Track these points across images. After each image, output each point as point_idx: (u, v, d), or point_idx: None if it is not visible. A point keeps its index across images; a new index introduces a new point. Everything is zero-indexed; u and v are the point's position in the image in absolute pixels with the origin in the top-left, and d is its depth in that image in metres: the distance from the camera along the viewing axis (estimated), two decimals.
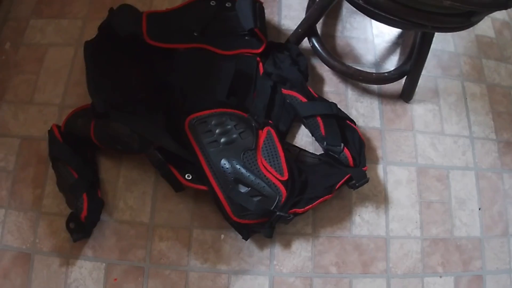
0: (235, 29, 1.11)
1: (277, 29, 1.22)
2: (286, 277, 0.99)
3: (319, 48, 1.12)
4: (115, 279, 0.98)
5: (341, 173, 0.99)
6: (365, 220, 1.05)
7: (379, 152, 1.11)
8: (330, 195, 0.98)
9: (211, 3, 1.15)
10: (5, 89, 1.15)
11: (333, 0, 1.03)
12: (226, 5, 1.16)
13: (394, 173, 1.10)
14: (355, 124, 1.08)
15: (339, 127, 1.05)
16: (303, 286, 0.99)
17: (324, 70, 1.18)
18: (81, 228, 0.97)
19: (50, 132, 1.03)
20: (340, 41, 1.23)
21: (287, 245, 1.01)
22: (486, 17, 1.37)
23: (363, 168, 1.02)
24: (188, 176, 0.95)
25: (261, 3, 1.16)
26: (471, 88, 1.25)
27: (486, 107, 1.24)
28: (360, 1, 0.87)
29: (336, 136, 1.03)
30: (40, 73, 1.16)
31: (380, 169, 1.10)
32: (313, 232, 1.02)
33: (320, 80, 1.17)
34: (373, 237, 1.04)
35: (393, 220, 1.06)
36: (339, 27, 1.25)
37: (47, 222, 1.02)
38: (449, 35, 1.31)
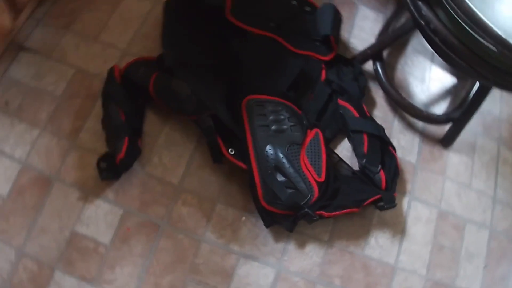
0: (310, 32, 1.15)
1: (345, 46, 1.26)
2: (291, 275, 1.01)
3: (381, 72, 1.16)
4: (128, 229, 0.99)
5: (372, 191, 1.02)
6: (379, 244, 1.07)
7: (408, 186, 1.15)
8: (357, 209, 1.01)
9: (292, 2, 1.19)
10: (74, 19, 1.18)
11: (410, 30, 1.08)
12: (306, 9, 1.20)
13: (417, 209, 1.13)
14: (395, 151, 1.11)
15: (381, 150, 1.08)
16: None
17: (377, 96, 1.22)
18: (112, 169, 0.99)
19: (111, 70, 1.05)
20: (399, 73, 1.27)
21: (301, 245, 1.03)
22: None
23: (393, 194, 1.05)
24: (231, 151, 0.98)
25: (341, 15, 1.20)
26: (505, 154, 1.29)
27: None
28: (437, 38, 0.92)
29: (376, 157, 1.06)
30: (113, 16, 1.19)
31: (405, 201, 1.13)
32: (329, 240, 1.05)
33: (372, 103, 1.21)
34: (382, 262, 1.06)
35: (404, 252, 1.09)
36: (401, 61, 1.30)
37: (78, 155, 1.03)
38: (498, 99, 1.36)
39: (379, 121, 1.18)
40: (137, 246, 0.98)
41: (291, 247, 1.03)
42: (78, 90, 1.09)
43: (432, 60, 1.33)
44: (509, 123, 1.35)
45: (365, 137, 1.08)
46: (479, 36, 0.79)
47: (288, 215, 0.96)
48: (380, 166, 1.06)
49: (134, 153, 1.01)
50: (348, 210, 1.00)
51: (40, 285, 0.93)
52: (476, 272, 1.13)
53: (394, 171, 1.08)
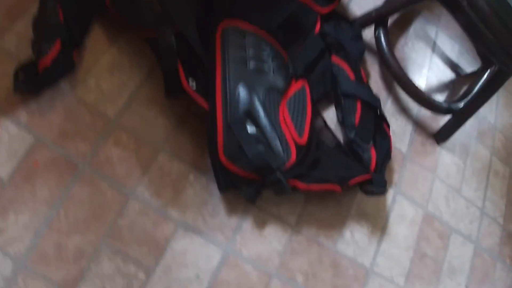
0: None
1: (343, 7, 1.08)
2: (242, 261, 0.76)
3: (383, 40, 0.98)
4: (36, 163, 0.70)
5: (361, 170, 0.82)
6: (354, 239, 0.86)
7: (395, 177, 0.95)
8: (339, 188, 0.79)
9: None
10: None
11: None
12: None
13: (402, 205, 0.94)
14: (389, 129, 0.92)
15: (375, 124, 0.89)
16: (258, 281, 0.76)
17: (372, 70, 1.03)
18: (31, 79, 0.71)
19: None
20: (397, 53, 1.10)
21: (261, 224, 0.79)
22: None
23: (384, 178, 0.85)
24: (192, 81, 0.73)
25: None
26: (497, 166, 1.15)
27: (503, 190, 1.14)
28: (464, 1, 0.75)
29: (369, 131, 0.87)
30: None
31: (390, 193, 0.93)
32: (296, 224, 0.82)
33: (366, 75, 1.02)
34: (356, 263, 0.85)
35: (382, 255, 0.88)
36: (402, 41, 1.13)
37: None
38: (494, 107, 1.23)
39: None
40: (43, 189, 0.69)
41: (247, 225, 0.78)
42: None
43: (433, 50, 1.18)
44: (503, 134, 1.22)
45: (359, 105, 0.88)
46: None
47: (253, 179, 0.73)
48: (371, 143, 0.86)
49: (65, 65, 0.73)
50: (330, 186, 0.78)
51: None
52: None
53: (385, 153, 0.89)
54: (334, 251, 0.84)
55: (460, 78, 1.17)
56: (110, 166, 0.73)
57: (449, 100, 1.11)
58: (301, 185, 0.75)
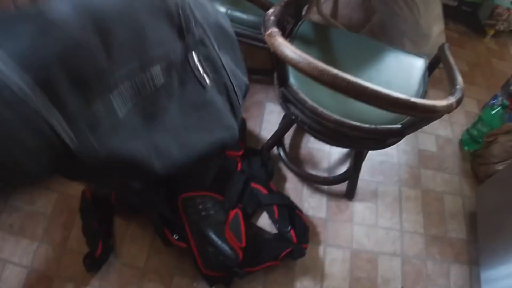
0: None
1: (257, 138, 1.71)
2: None
3: (283, 156, 1.58)
4: None
5: (285, 246, 1.37)
6: (303, 286, 1.38)
7: (322, 236, 1.47)
8: (276, 262, 1.35)
9: None
10: None
11: (292, 122, 1.51)
12: None
13: (332, 253, 1.44)
14: (302, 212, 1.47)
15: (289, 214, 1.45)
16: None
17: (287, 171, 1.62)
18: (94, 263, 1.42)
19: (83, 192, 1.53)
20: (303, 150, 1.68)
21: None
22: (430, 134, 1.77)
23: (303, 245, 1.39)
24: (175, 236, 1.38)
25: (244, 119, 1.67)
26: (407, 192, 1.60)
27: (418, 207, 1.57)
28: (305, 127, 1.33)
29: (286, 221, 1.43)
30: None
31: (321, 249, 1.45)
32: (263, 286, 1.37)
33: (283, 179, 1.61)
34: None
35: None
36: (304, 140, 1.71)
37: (69, 256, 1.46)
38: (395, 150, 1.70)
39: (291, 191, 1.57)
40: None
41: None
42: (62, 209, 1.57)
43: None
44: (408, 165, 1.67)
45: (275, 208, 1.46)
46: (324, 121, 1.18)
47: (224, 275, 1.32)
48: (290, 227, 1.41)
49: (108, 250, 1.44)
50: (268, 264, 1.35)
51: None
52: None
53: (303, 228, 1.43)
54: None
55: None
56: None
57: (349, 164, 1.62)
58: (250, 269, 1.33)
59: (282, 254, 1.36)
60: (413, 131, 1.11)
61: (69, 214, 1.55)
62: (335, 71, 0.80)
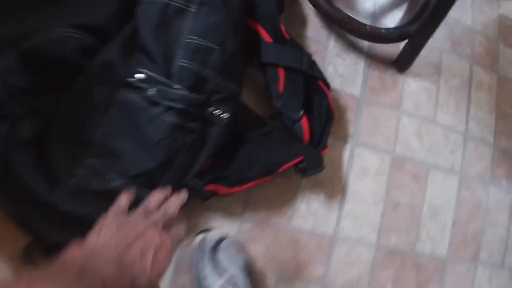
0: None
1: None
2: None
3: None
4: None
5: (291, 152, 0.72)
6: (311, 211, 0.79)
7: (351, 128, 0.85)
8: (267, 178, 0.72)
9: None
10: None
11: None
12: None
13: (362, 158, 0.85)
14: (329, 88, 0.80)
15: (306, 87, 0.77)
16: None
17: (307, 7, 0.88)
18: None
19: None
20: None
21: (207, 222, 0.75)
22: None
23: (321, 152, 0.75)
24: None
25: None
26: (480, 75, 1.00)
27: (491, 103, 0.99)
28: None
29: (297, 98, 0.75)
30: None
31: (346, 149, 0.84)
32: (241, 213, 0.76)
33: (298, 19, 0.87)
34: (317, 234, 0.79)
35: (346, 217, 0.81)
36: None
37: None
38: (468, 5, 1.04)
39: (309, 43, 0.86)
40: None
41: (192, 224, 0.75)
42: None
43: None
44: (484, 35, 1.04)
45: (281, 72, 0.75)
46: None
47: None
48: (302, 111, 0.75)
49: None
50: (256, 181, 0.71)
51: None
52: (442, 232, 0.88)
53: (325, 115, 0.77)
54: (290, 228, 0.78)
55: None
56: None
57: (409, 13, 0.94)
58: (222, 189, 0.69)
59: (285, 167, 0.72)
60: None
61: None
62: None
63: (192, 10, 0.65)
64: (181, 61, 0.62)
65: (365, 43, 0.90)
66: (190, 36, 0.63)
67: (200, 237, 0.72)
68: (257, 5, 0.77)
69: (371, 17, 0.93)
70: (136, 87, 0.61)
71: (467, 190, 0.92)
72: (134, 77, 0.61)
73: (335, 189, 0.82)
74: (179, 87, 0.61)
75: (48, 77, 0.60)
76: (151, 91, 0.61)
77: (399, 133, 0.88)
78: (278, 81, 0.75)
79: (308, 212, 0.79)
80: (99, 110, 0.61)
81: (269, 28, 0.77)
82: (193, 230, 0.73)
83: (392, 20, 0.94)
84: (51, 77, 0.61)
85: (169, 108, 0.61)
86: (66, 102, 0.61)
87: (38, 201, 0.58)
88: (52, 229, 0.59)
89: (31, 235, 0.61)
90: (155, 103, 0.61)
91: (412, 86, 0.92)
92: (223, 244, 0.71)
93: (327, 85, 0.80)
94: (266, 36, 0.77)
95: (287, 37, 0.79)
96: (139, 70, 0.61)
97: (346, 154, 0.84)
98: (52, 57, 0.59)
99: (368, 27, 0.85)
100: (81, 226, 0.44)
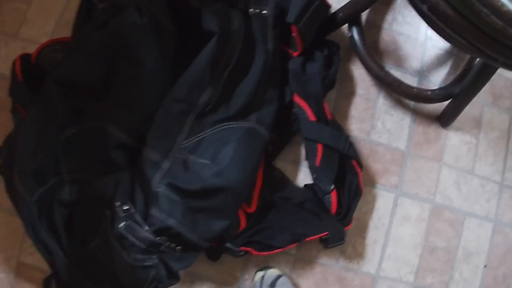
0: None
1: None
2: None
3: (358, 41, 0.91)
4: None
5: (319, 226, 0.83)
6: (357, 252, 0.91)
7: (395, 179, 0.95)
8: (294, 245, 0.85)
9: None
10: None
11: None
12: None
13: (405, 207, 0.95)
14: (361, 167, 0.90)
15: (340, 165, 0.87)
16: None
17: (358, 67, 0.98)
18: None
19: (13, 65, 0.83)
20: (385, 35, 1.01)
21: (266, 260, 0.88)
22: None
23: (345, 227, 0.85)
24: None
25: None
26: None
27: None
28: (424, 6, 0.67)
29: (330, 173, 0.85)
30: (32, 3, 0.94)
31: (390, 198, 0.95)
32: (296, 252, 0.89)
33: (350, 78, 0.98)
34: (361, 272, 0.91)
35: (388, 259, 0.92)
36: (389, 18, 1.03)
37: None
38: None
39: (359, 100, 0.97)
40: None
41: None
42: (5, 100, 0.88)
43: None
44: None
45: (320, 148, 0.86)
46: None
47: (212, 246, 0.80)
48: (333, 186, 0.85)
49: None
50: (280, 250, 0.83)
51: None
52: (474, 274, 0.97)
53: (354, 192, 0.87)
54: (337, 268, 0.90)
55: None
56: None
57: (446, 81, 1.01)
58: (253, 252, 0.82)
59: (310, 238, 0.83)
60: None
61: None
62: None
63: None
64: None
65: (411, 101, 0.99)
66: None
67: (260, 274, 0.85)
68: (306, 85, 0.88)
69: (418, 75, 1.01)
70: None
71: (499, 235, 1.00)
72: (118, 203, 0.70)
73: (378, 233, 0.93)
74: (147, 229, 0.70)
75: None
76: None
77: (439, 183, 0.98)
78: (316, 155, 0.87)
79: (354, 253, 0.91)
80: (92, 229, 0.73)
81: (314, 107, 0.88)
82: (255, 266, 0.86)
83: (438, 76, 1.02)
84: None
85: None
86: (78, 207, 0.73)
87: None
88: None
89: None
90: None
91: (454, 140, 1.00)
92: (279, 280, 0.84)
93: (360, 165, 0.90)
94: (311, 115, 0.88)
95: (330, 117, 0.90)
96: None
97: (389, 203, 0.94)
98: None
99: (415, 89, 0.94)
100: None
